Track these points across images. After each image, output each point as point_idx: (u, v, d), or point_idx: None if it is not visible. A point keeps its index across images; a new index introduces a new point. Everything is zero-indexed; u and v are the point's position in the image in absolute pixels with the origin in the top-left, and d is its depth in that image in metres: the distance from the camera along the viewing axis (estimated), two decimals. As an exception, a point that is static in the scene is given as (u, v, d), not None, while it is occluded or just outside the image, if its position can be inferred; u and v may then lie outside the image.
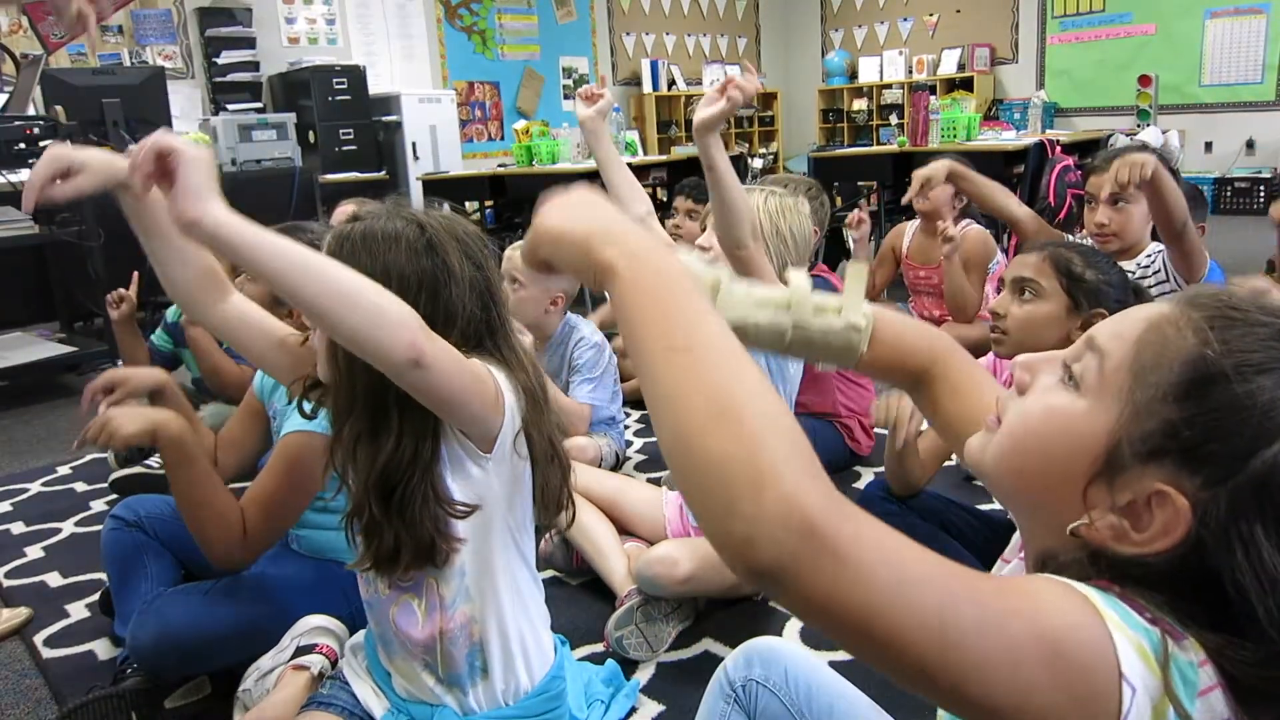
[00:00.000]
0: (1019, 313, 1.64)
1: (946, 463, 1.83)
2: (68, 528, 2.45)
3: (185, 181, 0.92)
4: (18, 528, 2.47)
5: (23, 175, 4.10)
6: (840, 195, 5.58)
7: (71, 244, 3.74)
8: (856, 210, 3.41)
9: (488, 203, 5.77)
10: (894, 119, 9.32)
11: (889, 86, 9.51)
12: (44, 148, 3.69)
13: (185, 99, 6.34)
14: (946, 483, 2.24)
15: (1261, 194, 7.19)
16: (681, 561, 1.63)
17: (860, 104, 9.82)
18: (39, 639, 1.84)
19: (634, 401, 2.96)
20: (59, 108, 4.01)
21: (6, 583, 2.14)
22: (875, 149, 6.11)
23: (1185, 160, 7.43)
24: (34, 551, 2.30)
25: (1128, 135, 5.12)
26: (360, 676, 1.27)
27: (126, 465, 2.68)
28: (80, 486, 2.76)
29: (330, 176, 5.88)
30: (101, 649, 1.79)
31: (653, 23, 9.42)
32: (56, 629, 1.88)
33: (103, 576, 1.79)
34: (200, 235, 0.91)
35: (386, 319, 0.93)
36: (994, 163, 4.58)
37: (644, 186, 5.80)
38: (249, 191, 4.86)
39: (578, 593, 1.89)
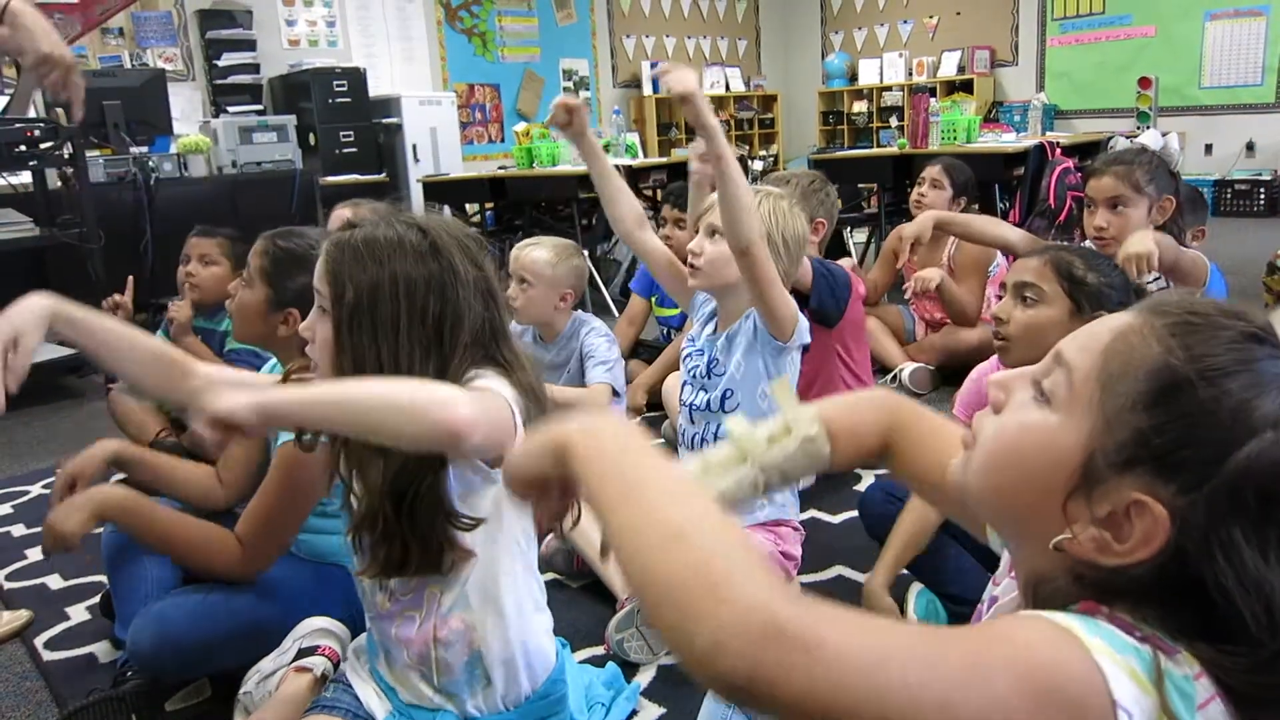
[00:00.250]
0: (1022, 318, 1.64)
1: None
2: (68, 530, 2.44)
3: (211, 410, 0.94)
4: (18, 530, 2.47)
5: (24, 177, 4.11)
6: (840, 197, 5.56)
7: (71, 246, 3.75)
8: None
9: (488, 205, 5.77)
10: (894, 121, 9.32)
11: (889, 89, 9.52)
12: (45, 150, 3.72)
13: (186, 101, 6.35)
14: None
15: (1261, 196, 7.20)
16: None
17: (860, 106, 9.83)
18: (39, 641, 1.84)
19: (635, 406, 2.96)
20: (59, 110, 4.00)
21: (7, 585, 2.14)
22: (875, 151, 6.12)
23: (1185, 162, 7.43)
24: (35, 554, 2.30)
25: (1128, 137, 5.13)
26: (363, 679, 1.27)
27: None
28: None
29: (330, 179, 5.89)
30: (102, 652, 1.79)
31: (653, 25, 9.42)
32: (57, 631, 1.89)
33: (103, 579, 1.79)
34: (258, 426, 0.94)
35: (422, 408, 0.92)
36: (994, 165, 4.58)
37: (644, 189, 5.78)
38: (249, 194, 4.87)
39: (579, 595, 1.89)
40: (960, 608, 1.61)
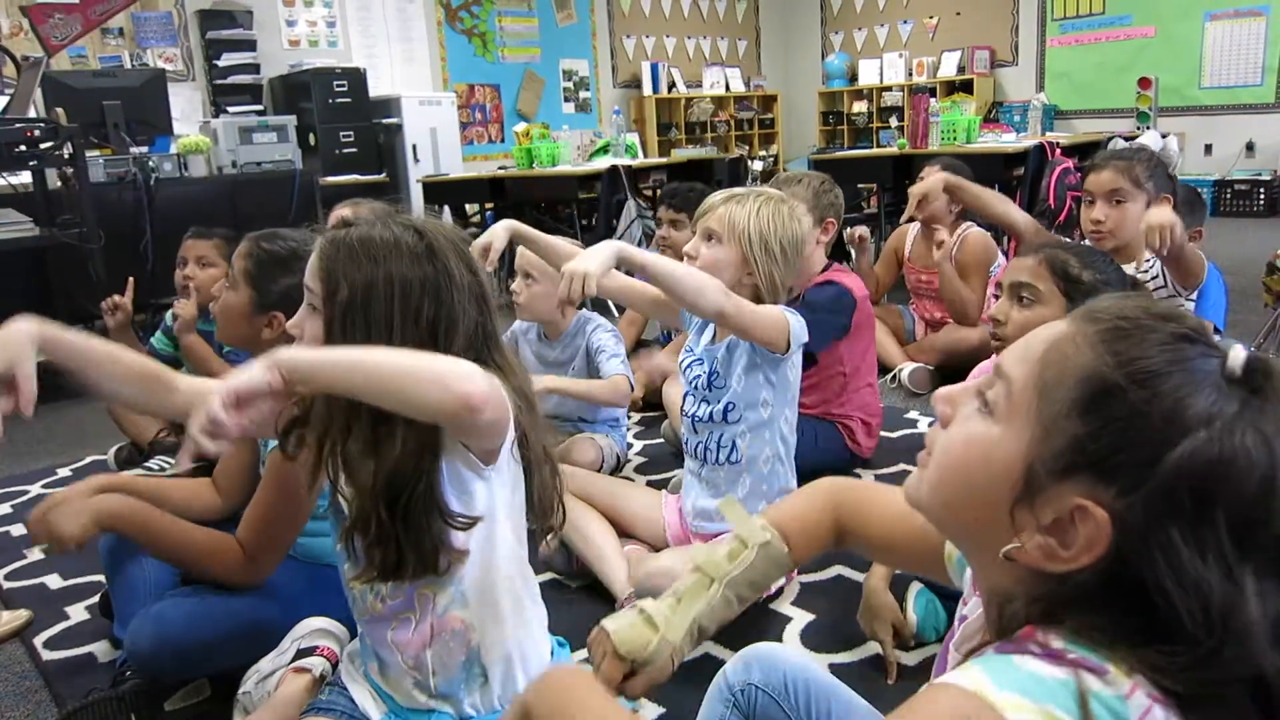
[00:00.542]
0: (1019, 318, 1.64)
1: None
2: (68, 530, 2.44)
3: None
4: (18, 529, 2.47)
5: (24, 177, 4.11)
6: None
7: (72, 246, 3.75)
8: (858, 229, 3.44)
9: (488, 205, 5.77)
10: (894, 121, 9.32)
11: (889, 89, 9.52)
12: (45, 150, 3.72)
13: (186, 101, 6.35)
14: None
15: (1261, 196, 7.20)
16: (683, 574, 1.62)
17: (860, 106, 9.83)
18: (39, 641, 1.84)
19: (634, 404, 2.96)
20: (60, 110, 4.01)
21: (7, 585, 2.14)
22: (875, 151, 6.12)
23: (1185, 163, 7.44)
24: (34, 554, 2.30)
25: (1127, 138, 5.13)
26: (358, 681, 1.26)
27: (126, 467, 2.68)
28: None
29: (331, 179, 5.89)
30: (101, 651, 1.79)
31: (653, 25, 9.43)
32: (56, 631, 1.88)
33: (102, 579, 1.79)
34: (294, 378, 0.93)
35: (446, 378, 0.93)
36: (994, 165, 4.58)
37: (643, 189, 5.78)
38: (249, 194, 4.87)
39: (578, 595, 1.89)
40: (960, 607, 1.62)
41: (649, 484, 2.47)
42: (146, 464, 2.61)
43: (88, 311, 4.23)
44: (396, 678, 1.20)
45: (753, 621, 1.75)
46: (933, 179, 2.79)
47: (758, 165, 8.28)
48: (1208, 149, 7.74)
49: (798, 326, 1.74)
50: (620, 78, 9.24)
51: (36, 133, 3.70)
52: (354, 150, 6.50)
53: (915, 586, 1.64)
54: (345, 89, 6.50)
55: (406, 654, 1.17)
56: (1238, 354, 0.58)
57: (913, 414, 2.99)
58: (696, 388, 1.85)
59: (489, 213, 5.84)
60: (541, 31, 8.56)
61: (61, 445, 3.17)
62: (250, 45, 6.68)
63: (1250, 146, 7.53)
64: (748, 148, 9.89)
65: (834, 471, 1.30)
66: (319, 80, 6.42)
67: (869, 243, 3.45)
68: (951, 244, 3.32)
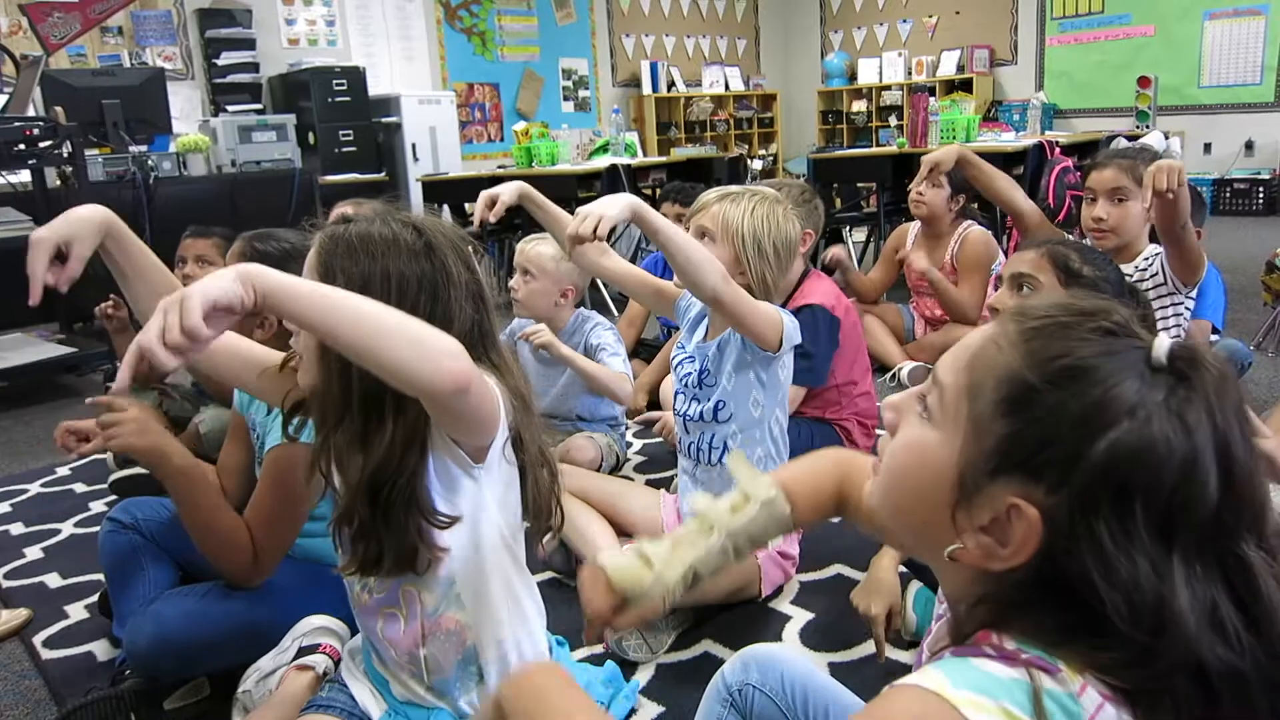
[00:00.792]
0: (1018, 309, 1.64)
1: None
2: (67, 529, 2.45)
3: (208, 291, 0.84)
4: (17, 529, 2.47)
5: (23, 176, 4.11)
6: (840, 196, 5.58)
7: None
8: (833, 251, 3.47)
9: (487, 204, 5.76)
10: (893, 120, 9.32)
11: (888, 88, 9.52)
12: (44, 149, 3.71)
13: (185, 100, 6.35)
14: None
15: (1260, 195, 7.20)
16: None
17: (859, 105, 9.83)
18: (38, 640, 1.84)
19: (635, 408, 2.96)
20: (59, 109, 4.01)
21: (6, 584, 2.14)
22: (874, 150, 6.12)
23: (1185, 162, 7.42)
24: (33, 552, 2.30)
25: (1129, 138, 5.13)
26: (358, 679, 1.27)
27: (126, 466, 2.68)
28: (79, 487, 2.76)
29: (330, 178, 5.88)
30: (100, 650, 1.79)
31: (652, 24, 9.42)
32: (56, 630, 1.89)
33: (102, 577, 1.79)
34: (267, 302, 0.85)
35: (433, 348, 0.90)
36: (993, 164, 4.57)
37: (643, 188, 5.78)
38: (248, 193, 4.87)
39: (576, 594, 1.88)
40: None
41: (648, 483, 2.47)
42: (146, 463, 2.60)
43: (87, 310, 4.24)
44: (394, 669, 1.20)
45: (752, 620, 1.75)
46: (948, 149, 2.77)
47: (757, 164, 8.28)
48: (1207, 148, 7.74)
49: (791, 327, 1.73)
50: (619, 77, 9.24)
51: (35, 131, 3.70)
52: (353, 149, 6.50)
53: (915, 585, 1.64)
54: (344, 88, 6.50)
55: (399, 650, 1.17)
56: (1161, 343, 0.59)
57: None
58: (687, 385, 1.85)
59: (488, 212, 5.83)
60: (541, 30, 8.56)
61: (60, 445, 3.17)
62: (249, 44, 6.68)
63: (1249, 145, 7.53)
64: (747, 147, 9.89)
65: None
66: (318, 79, 6.42)
67: (846, 261, 3.46)
68: (952, 243, 3.33)
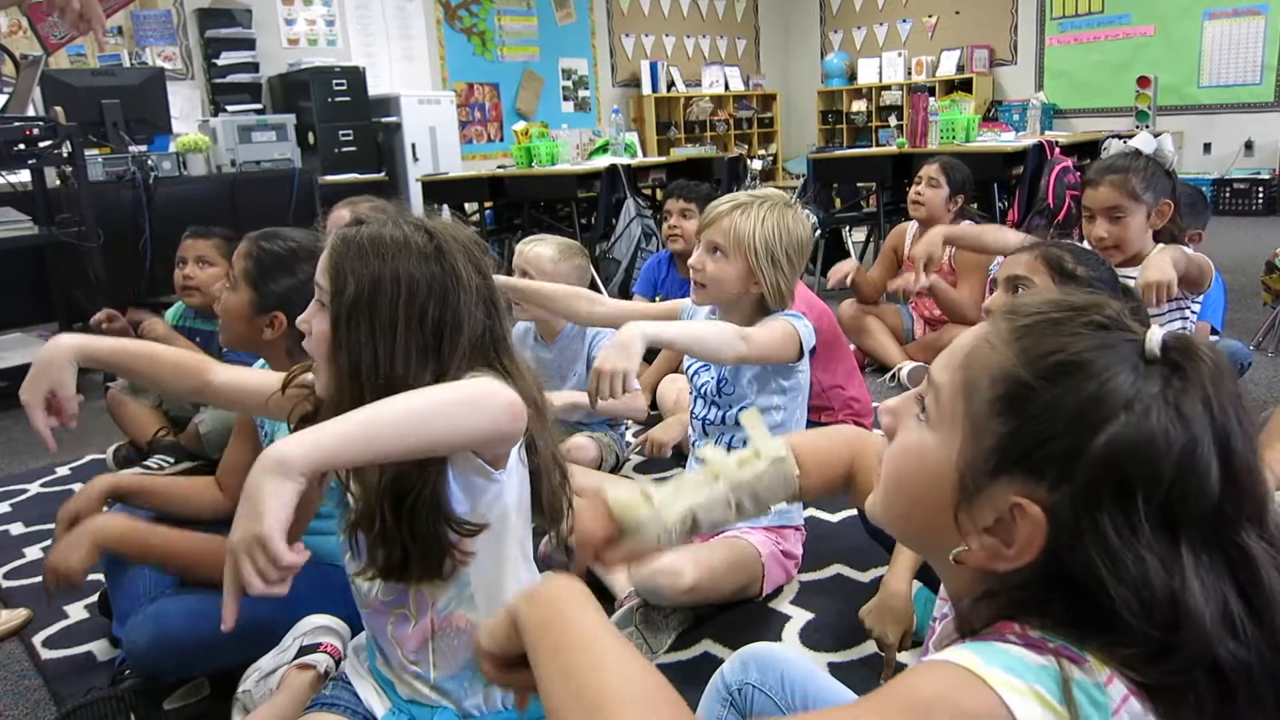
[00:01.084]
0: (1013, 311, 1.65)
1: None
2: (67, 529, 2.45)
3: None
4: (17, 528, 2.47)
5: (23, 176, 4.11)
6: (840, 197, 5.58)
7: (71, 245, 3.74)
8: (844, 268, 3.43)
9: (487, 204, 5.77)
10: (893, 120, 9.32)
11: (888, 88, 9.52)
12: (43, 148, 3.71)
13: (185, 100, 6.35)
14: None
15: (1260, 195, 7.20)
16: (686, 572, 1.62)
17: (859, 105, 9.83)
18: (38, 640, 1.84)
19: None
20: (58, 109, 4.00)
21: (5, 583, 2.14)
22: (874, 150, 6.12)
23: (1184, 161, 7.44)
24: (33, 552, 2.30)
25: (1122, 138, 5.12)
26: (362, 676, 1.27)
27: (125, 466, 2.68)
28: (79, 487, 2.75)
29: (330, 178, 5.88)
30: (100, 650, 1.79)
31: (652, 24, 9.42)
32: (55, 630, 1.88)
33: (101, 577, 1.79)
34: (318, 472, 0.88)
35: (479, 397, 0.94)
36: (993, 164, 4.58)
37: (643, 188, 5.78)
38: (248, 193, 4.87)
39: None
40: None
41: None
42: (145, 463, 2.60)
43: (86, 310, 4.24)
44: (398, 670, 1.20)
45: (751, 620, 1.75)
46: (931, 236, 2.81)
47: (757, 164, 8.27)
48: (1206, 148, 7.74)
49: (805, 333, 1.74)
50: (619, 77, 9.24)
51: (35, 131, 3.70)
52: (353, 149, 6.50)
53: (915, 585, 1.64)
54: (344, 88, 6.50)
55: (407, 648, 1.17)
56: (1154, 334, 0.58)
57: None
58: (705, 394, 1.86)
59: (488, 211, 5.84)
60: (541, 30, 8.56)
61: (61, 444, 3.16)
62: (249, 44, 6.68)
63: (1249, 145, 7.53)
64: (747, 147, 9.89)
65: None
66: (318, 79, 6.42)
67: (851, 270, 3.44)
68: (949, 249, 3.33)
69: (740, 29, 10.25)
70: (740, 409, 1.79)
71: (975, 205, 3.76)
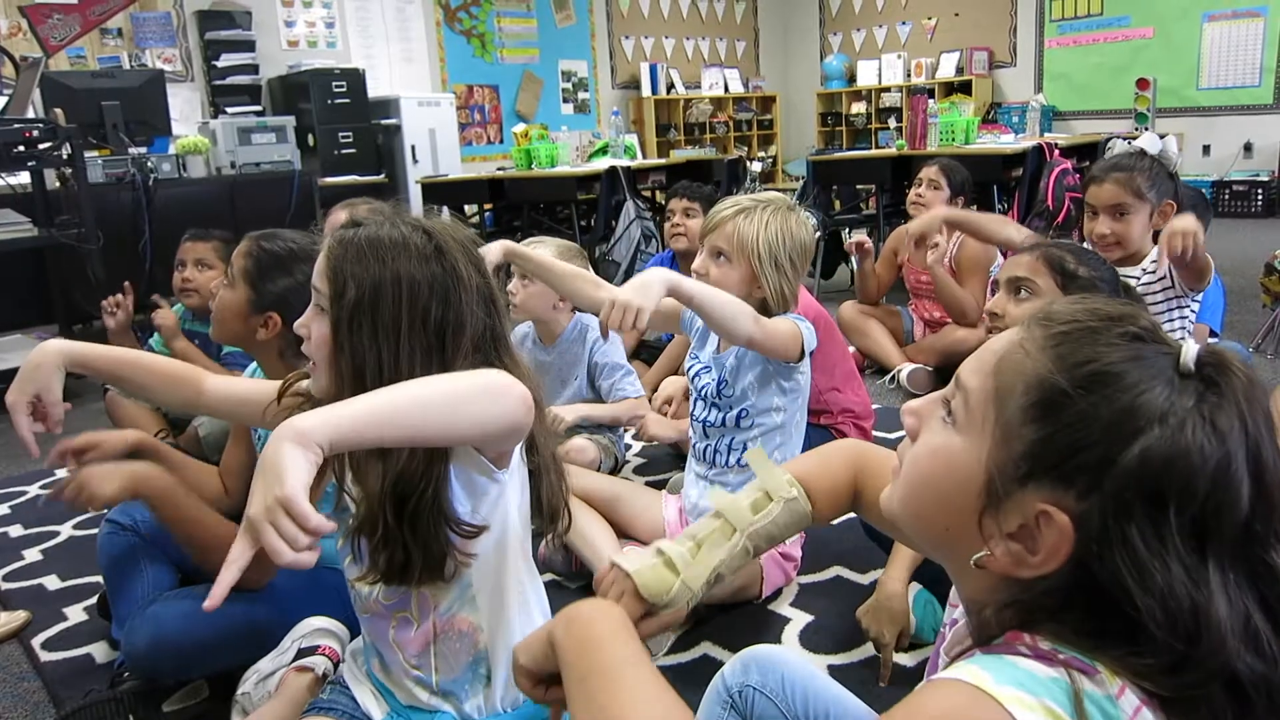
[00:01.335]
0: (1016, 312, 1.65)
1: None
2: (66, 531, 2.44)
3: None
4: (16, 530, 2.47)
5: (23, 178, 4.11)
6: (839, 199, 5.58)
7: (70, 246, 3.75)
8: (859, 236, 3.43)
9: (487, 206, 5.77)
10: (892, 122, 9.32)
11: (887, 90, 9.53)
12: (43, 150, 3.72)
13: (185, 102, 6.35)
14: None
15: (1259, 197, 7.20)
16: None
17: (859, 107, 9.83)
18: (37, 642, 1.84)
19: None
20: (58, 110, 4.01)
21: (4, 586, 2.14)
22: (874, 152, 6.12)
23: (1183, 163, 7.44)
24: (32, 554, 2.30)
25: (1125, 139, 5.13)
26: (360, 681, 1.26)
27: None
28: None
29: (329, 179, 5.89)
30: (99, 652, 1.79)
31: (652, 26, 9.43)
32: (54, 632, 1.88)
33: (101, 579, 1.79)
34: (336, 448, 0.85)
35: (495, 387, 0.94)
36: (992, 166, 4.59)
37: (643, 190, 5.78)
38: (248, 194, 4.87)
39: (577, 596, 1.88)
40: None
41: (647, 484, 2.46)
42: (145, 465, 2.60)
43: (86, 312, 4.24)
44: (398, 676, 1.19)
45: (751, 622, 1.75)
46: (931, 215, 2.80)
47: (756, 166, 8.27)
48: (1205, 150, 7.75)
49: (808, 334, 1.74)
50: (619, 79, 9.24)
51: (35, 133, 3.70)
52: (353, 151, 6.50)
53: (914, 588, 1.64)
54: (344, 90, 6.51)
55: (408, 652, 1.17)
56: (1190, 348, 0.58)
57: (911, 415, 2.99)
58: (705, 396, 1.85)
59: (488, 214, 5.84)
60: (540, 32, 8.56)
61: (44, 450, 3.16)
62: (249, 46, 6.68)
63: (1248, 147, 7.53)
64: (746, 149, 9.90)
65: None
66: (318, 81, 6.42)
67: (869, 246, 3.45)
68: (950, 247, 3.33)
69: (740, 31, 10.26)
70: (741, 413, 1.80)
71: (975, 207, 3.75)
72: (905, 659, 1.58)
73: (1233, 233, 6.36)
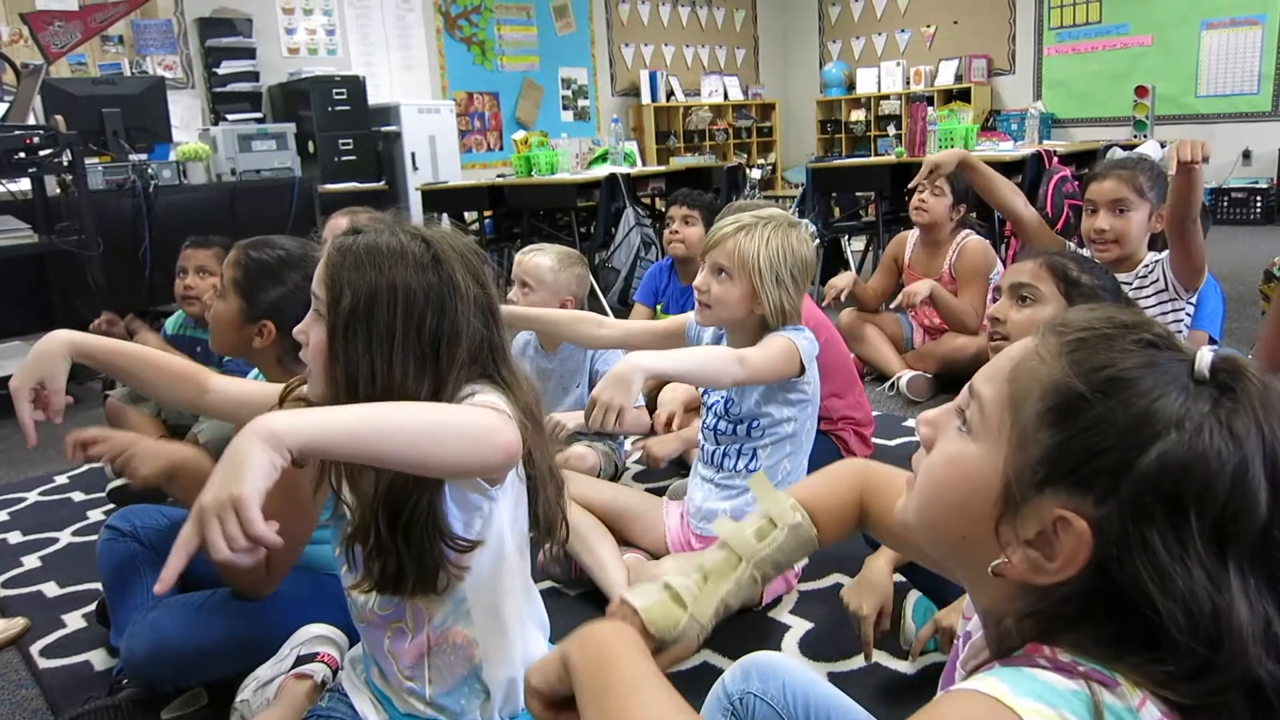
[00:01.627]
0: (1018, 318, 1.65)
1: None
2: (65, 537, 2.44)
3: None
4: (14, 537, 2.47)
5: (23, 184, 4.11)
6: (839, 206, 5.59)
7: (71, 253, 3.75)
8: (840, 281, 3.35)
9: (487, 213, 5.78)
10: (892, 130, 9.31)
11: (886, 97, 9.55)
12: (44, 157, 3.72)
13: (185, 109, 6.36)
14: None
15: (1258, 204, 7.22)
16: None
17: (858, 115, 9.85)
18: (35, 649, 1.84)
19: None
20: (59, 117, 4.01)
21: (3, 592, 2.13)
22: (873, 160, 6.13)
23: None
24: (31, 561, 2.29)
25: (1125, 147, 5.14)
26: (359, 688, 1.26)
27: (122, 475, 2.68)
28: (77, 496, 2.76)
29: (330, 186, 5.89)
30: (98, 659, 1.78)
31: (651, 34, 9.45)
32: (53, 639, 1.88)
33: (100, 586, 1.78)
34: (306, 455, 0.85)
35: (481, 431, 0.93)
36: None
37: (642, 197, 5.79)
38: (248, 201, 4.87)
39: (577, 604, 1.89)
40: (958, 616, 1.61)
41: (647, 491, 2.46)
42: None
43: (86, 318, 4.24)
44: (395, 685, 1.19)
45: (751, 629, 1.75)
46: (951, 152, 2.80)
47: (756, 173, 8.29)
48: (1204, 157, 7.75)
49: (806, 346, 1.75)
50: (619, 86, 9.26)
51: (36, 140, 3.70)
52: (353, 158, 6.51)
53: (913, 595, 1.63)
54: (344, 97, 6.51)
55: (402, 663, 1.16)
56: (1204, 355, 0.59)
57: (910, 422, 2.99)
58: (714, 410, 1.87)
59: (488, 221, 5.85)
60: (540, 40, 8.58)
61: (59, 452, 3.16)
62: (250, 53, 6.69)
63: (1246, 155, 7.55)
64: (746, 156, 9.91)
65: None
66: (318, 88, 6.43)
67: (848, 285, 3.36)
68: (950, 252, 3.33)
69: (739, 39, 10.28)
70: (752, 423, 1.81)
71: (975, 214, 3.76)
72: (906, 668, 1.58)
73: (1231, 240, 6.36)
